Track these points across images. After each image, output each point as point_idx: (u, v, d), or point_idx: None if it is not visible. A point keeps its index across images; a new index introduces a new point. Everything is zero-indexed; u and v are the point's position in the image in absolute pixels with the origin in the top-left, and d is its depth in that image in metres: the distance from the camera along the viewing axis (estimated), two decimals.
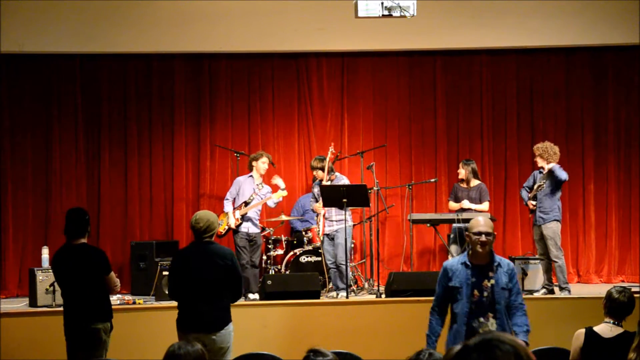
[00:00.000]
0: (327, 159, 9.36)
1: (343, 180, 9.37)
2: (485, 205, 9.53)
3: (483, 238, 5.20)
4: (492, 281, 5.17)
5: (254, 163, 9.49)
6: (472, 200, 9.55)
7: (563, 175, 8.98)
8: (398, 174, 10.94)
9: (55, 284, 8.57)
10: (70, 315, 6.07)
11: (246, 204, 9.32)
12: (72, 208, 6.50)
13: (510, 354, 1.93)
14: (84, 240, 6.13)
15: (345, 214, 8.96)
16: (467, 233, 5.23)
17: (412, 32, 10.22)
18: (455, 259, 5.37)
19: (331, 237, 9.19)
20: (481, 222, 5.24)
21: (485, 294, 5.17)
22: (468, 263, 5.21)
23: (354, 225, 10.25)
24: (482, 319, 5.16)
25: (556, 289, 8.99)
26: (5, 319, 7.89)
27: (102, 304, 6.10)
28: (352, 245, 9.36)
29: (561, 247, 9.03)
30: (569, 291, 8.87)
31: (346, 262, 8.77)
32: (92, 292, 6.02)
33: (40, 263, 9.18)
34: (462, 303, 5.17)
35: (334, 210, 9.15)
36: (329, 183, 9.26)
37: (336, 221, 9.18)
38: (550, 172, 9.01)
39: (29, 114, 10.56)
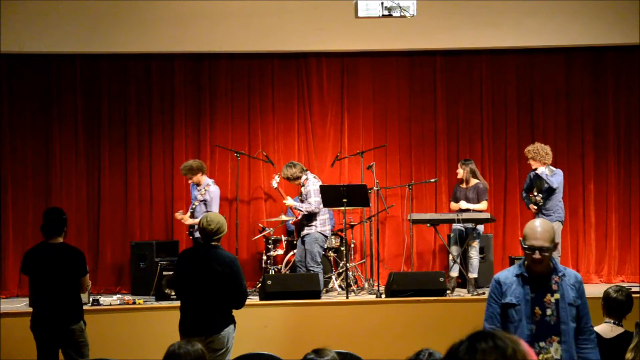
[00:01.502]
0: (277, 186, 9.59)
1: (310, 187, 9.31)
2: (483, 205, 9.53)
3: (537, 256, 4.20)
4: (557, 295, 4.24)
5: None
6: (469, 200, 9.56)
7: (551, 183, 8.94)
8: (398, 174, 10.94)
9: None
10: (44, 315, 6.06)
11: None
12: (49, 207, 6.57)
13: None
14: (61, 240, 6.17)
15: (314, 222, 9.07)
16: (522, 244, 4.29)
17: (412, 32, 10.23)
18: (508, 270, 4.42)
19: (302, 240, 9.24)
20: (536, 232, 4.21)
21: (549, 311, 4.23)
22: (525, 274, 4.28)
23: (353, 225, 10.26)
24: (543, 344, 4.24)
25: None
26: (5, 319, 7.89)
27: (76, 304, 6.15)
28: (322, 252, 9.31)
29: (559, 249, 8.99)
30: None
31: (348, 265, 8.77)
32: (67, 291, 6.06)
33: None
34: (520, 324, 4.25)
35: (305, 217, 9.20)
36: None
37: (307, 225, 9.20)
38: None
39: (29, 114, 10.56)
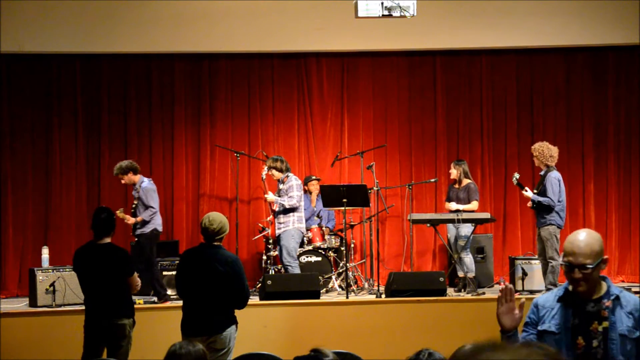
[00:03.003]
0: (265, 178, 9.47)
1: (292, 181, 9.32)
2: (473, 205, 9.53)
3: (576, 275, 3.45)
4: (606, 323, 3.46)
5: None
6: (460, 200, 9.58)
7: (546, 202, 8.81)
8: (398, 174, 10.94)
9: (51, 282, 8.59)
10: (95, 311, 6.15)
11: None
12: (100, 207, 6.64)
13: None
14: (108, 240, 6.23)
15: (291, 218, 9.07)
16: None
17: (412, 32, 10.22)
18: (551, 292, 3.71)
19: (277, 239, 9.26)
20: (575, 244, 3.46)
21: (595, 342, 3.47)
22: (568, 297, 3.55)
23: (353, 225, 10.26)
24: None
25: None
26: (5, 319, 7.88)
27: (127, 301, 6.24)
28: (298, 247, 9.32)
29: (558, 250, 8.81)
30: None
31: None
32: (116, 290, 6.13)
33: (40, 263, 9.18)
34: None
35: (282, 213, 9.17)
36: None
37: (283, 222, 9.20)
38: (545, 175, 8.93)
39: (29, 114, 10.56)
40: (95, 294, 6.17)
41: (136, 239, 9.11)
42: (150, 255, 8.98)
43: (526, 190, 8.92)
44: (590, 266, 3.41)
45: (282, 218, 9.20)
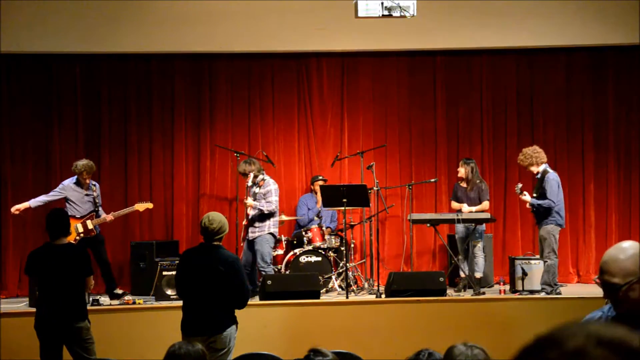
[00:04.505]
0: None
1: (270, 186, 9.33)
2: (485, 205, 9.53)
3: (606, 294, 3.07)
4: None
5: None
6: (471, 200, 9.56)
7: (547, 205, 8.83)
8: (398, 174, 10.94)
9: None
10: (49, 314, 6.11)
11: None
12: (54, 208, 6.63)
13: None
14: (66, 240, 6.26)
15: (267, 222, 9.11)
16: None
17: (412, 32, 10.22)
18: (601, 310, 3.29)
19: (250, 243, 9.25)
20: (606, 261, 3.04)
21: None
22: (614, 315, 3.11)
23: (353, 225, 10.27)
24: None
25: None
26: (5, 319, 7.89)
27: (82, 302, 6.26)
28: (271, 253, 9.33)
29: (555, 250, 8.84)
30: (546, 293, 8.75)
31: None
32: (75, 291, 6.13)
33: None
34: None
35: (257, 218, 9.18)
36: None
37: (258, 227, 9.22)
38: (542, 177, 8.95)
39: (29, 114, 10.56)
40: (52, 296, 6.12)
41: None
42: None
43: (524, 195, 8.92)
44: (629, 282, 2.94)
45: (257, 223, 9.20)
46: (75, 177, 9.15)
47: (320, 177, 10.44)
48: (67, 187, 9.15)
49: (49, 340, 6.13)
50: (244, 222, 9.50)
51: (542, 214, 8.89)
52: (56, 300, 6.09)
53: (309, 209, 10.37)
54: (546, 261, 8.84)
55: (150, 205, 9.55)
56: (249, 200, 9.28)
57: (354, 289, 9.42)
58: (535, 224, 9.18)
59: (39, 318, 6.18)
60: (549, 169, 9.02)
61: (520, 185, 9.00)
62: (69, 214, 8.48)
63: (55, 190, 9.25)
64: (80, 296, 6.21)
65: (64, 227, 6.28)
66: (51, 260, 6.12)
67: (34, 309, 8.41)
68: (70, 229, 6.37)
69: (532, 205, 8.90)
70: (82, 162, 9.13)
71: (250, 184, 9.30)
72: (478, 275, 9.42)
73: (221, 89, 10.85)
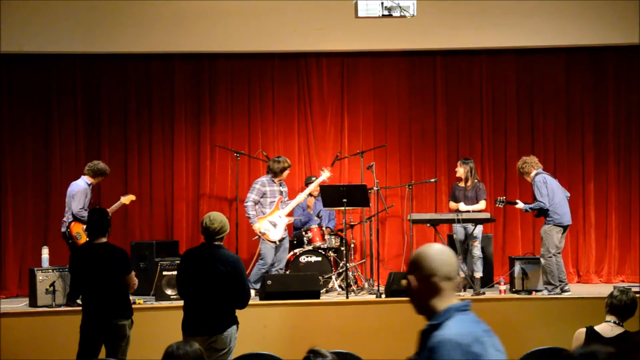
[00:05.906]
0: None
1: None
2: (482, 204, 9.54)
3: None
4: None
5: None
6: (469, 199, 9.58)
7: (538, 207, 8.96)
8: (398, 174, 10.94)
9: (53, 282, 8.58)
10: (93, 312, 6.17)
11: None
12: (93, 208, 6.66)
13: None
14: (105, 240, 6.29)
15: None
16: None
17: (412, 32, 10.22)
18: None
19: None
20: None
21: None
22: None
23: (353, 225, 10.27)
24: None
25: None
26: (5, 319, 7.89)
27: (125, 301, 6.28)
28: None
29: (550, 249, 8.85)
30: (548, 292, 8.79)
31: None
32: (115, 290, 6.17)
33: (40, 263, 9.17)
34: None
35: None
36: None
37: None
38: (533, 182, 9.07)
39: (29, 114, 10.56)
40: (94, 295, 6.18)
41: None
42: None
43: (517, 203, 9.20)
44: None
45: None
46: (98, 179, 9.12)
47: (314, 178, 10.40)
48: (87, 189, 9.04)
49: (91, 339, 6.16)
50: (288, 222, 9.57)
51: (539, 214, 9.05)
52: (98, 299, 6.15)
53: (303, 210, 10.35)
54: (541, 260, 8.91)
55: (133, 197, 9.55)
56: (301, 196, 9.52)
57: (354, 289, 9.42)
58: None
59: (84, 317, 6.23)
60: (540, 173, 9.07)
61: (499, 198, 9.33)
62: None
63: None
64: (121, 294, 6.23)
65: (103, 226, 6.31)
66: (90, 259, 6.19)
67: (33, 309, 8.46)
68: (109, 229, 6.38)
69: (525, 210, 9.14)
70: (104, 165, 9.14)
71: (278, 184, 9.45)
72: (478, 275, 9.43)
73: (221, 89, 10.85)
